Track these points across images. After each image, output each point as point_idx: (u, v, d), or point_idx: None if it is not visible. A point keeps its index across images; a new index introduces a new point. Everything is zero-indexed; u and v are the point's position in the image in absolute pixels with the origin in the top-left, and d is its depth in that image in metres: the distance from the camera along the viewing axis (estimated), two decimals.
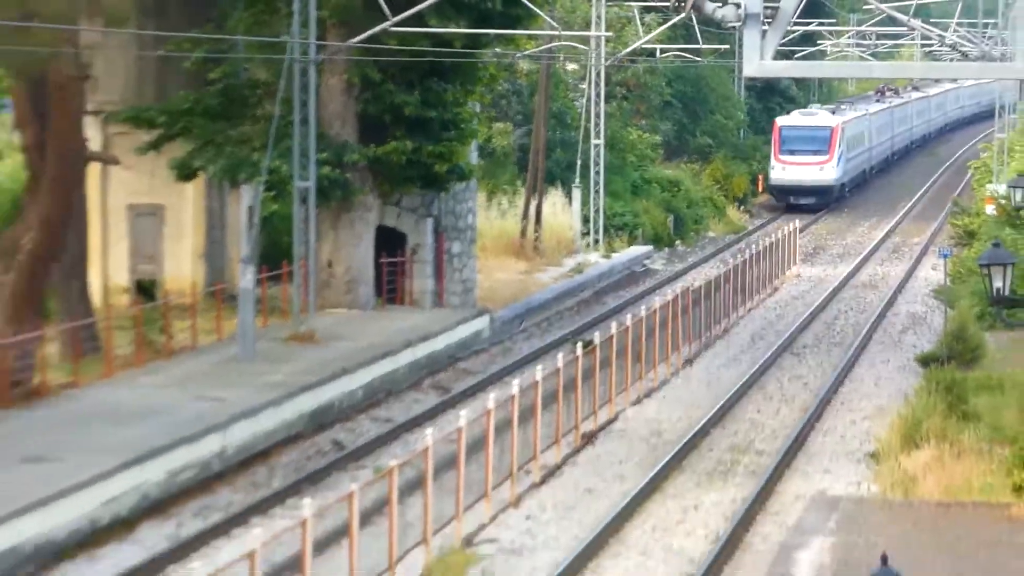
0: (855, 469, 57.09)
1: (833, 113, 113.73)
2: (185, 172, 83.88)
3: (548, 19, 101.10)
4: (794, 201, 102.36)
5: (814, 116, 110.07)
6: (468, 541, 45.96)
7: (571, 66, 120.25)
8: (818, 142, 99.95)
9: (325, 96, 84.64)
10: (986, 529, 44.80)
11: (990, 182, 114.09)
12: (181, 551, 45.20)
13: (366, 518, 40.05)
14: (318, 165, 79.43)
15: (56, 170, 68.81)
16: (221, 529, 47.88)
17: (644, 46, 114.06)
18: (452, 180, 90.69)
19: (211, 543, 45.99)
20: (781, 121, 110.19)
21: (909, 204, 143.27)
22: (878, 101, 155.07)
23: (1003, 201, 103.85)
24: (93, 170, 77.80)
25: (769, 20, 40.60)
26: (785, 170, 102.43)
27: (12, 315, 65.91)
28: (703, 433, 63.75)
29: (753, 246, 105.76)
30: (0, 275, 67.82)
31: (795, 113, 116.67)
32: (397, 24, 78.14)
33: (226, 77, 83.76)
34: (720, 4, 72.86)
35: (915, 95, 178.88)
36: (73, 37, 68.85)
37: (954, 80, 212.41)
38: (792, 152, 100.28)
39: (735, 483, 55.57)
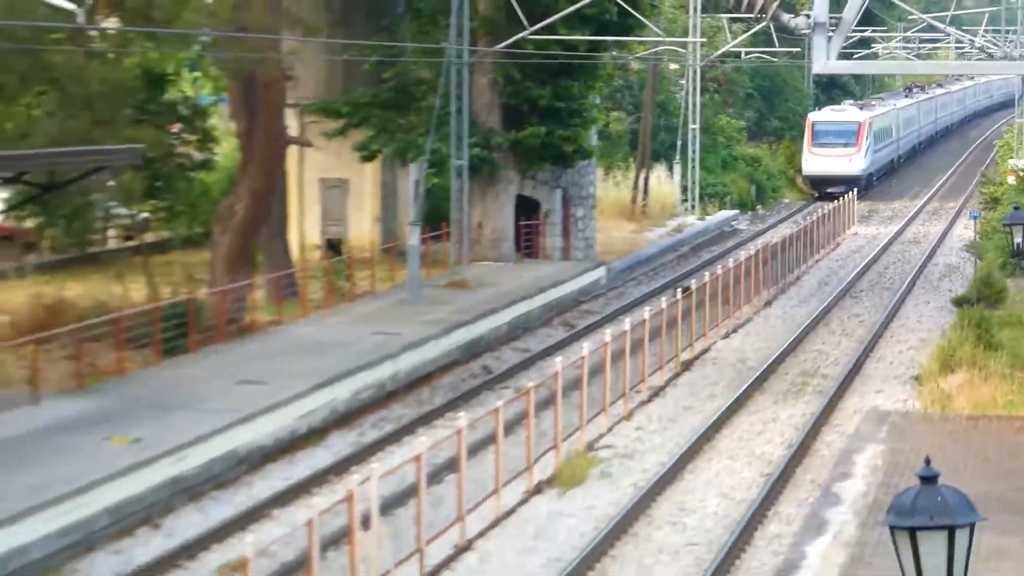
0: (902, 389, 58.03)
1: (861, 109, 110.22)
2: (365, 153, 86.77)
3: (655, 28, 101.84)
4: (825, 191, 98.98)
5: (843, 112, 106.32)
6: (590, 446, 48.04)
7: (673, 66, 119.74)
8: (847, 136, 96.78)
9: (476, 91, 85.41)
10: (1009, 437, 45.48)
11: (1011, 157, 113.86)
12: (362, 455, 47.88)
13: (509, 428, 43.45)
14: (470, 147, 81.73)
15: (262, 152, 71.42)
16: (394, 437, 50.36)
17: (731, 49, 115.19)
18: (577, 158, 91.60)
19: (386, 448, 48.63)
20: (813, 116, 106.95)
21: (944, 177, 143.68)
22: (906, 96, 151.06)
23: (1021, 173, 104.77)
24: (292, 151, 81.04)
25: (833, 28, 40.88)
26: (817, 162, 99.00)
27: (228, 268, 68.88)
28: (779, 361, 64.75)
29: (819, 210, 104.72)
30: (218, 236, 71.27)
31: (826, 109, 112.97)
32: (533, 33, 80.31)
33: (397, 76, 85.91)
34: (794, 15, 75.63)
35: (939, 91, 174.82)
36: (277, 45, 73.31)
37: (972, 77, 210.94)
38: (823, 145, 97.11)
39: (805, 401, 56.71)
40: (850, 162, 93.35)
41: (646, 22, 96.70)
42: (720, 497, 43.09)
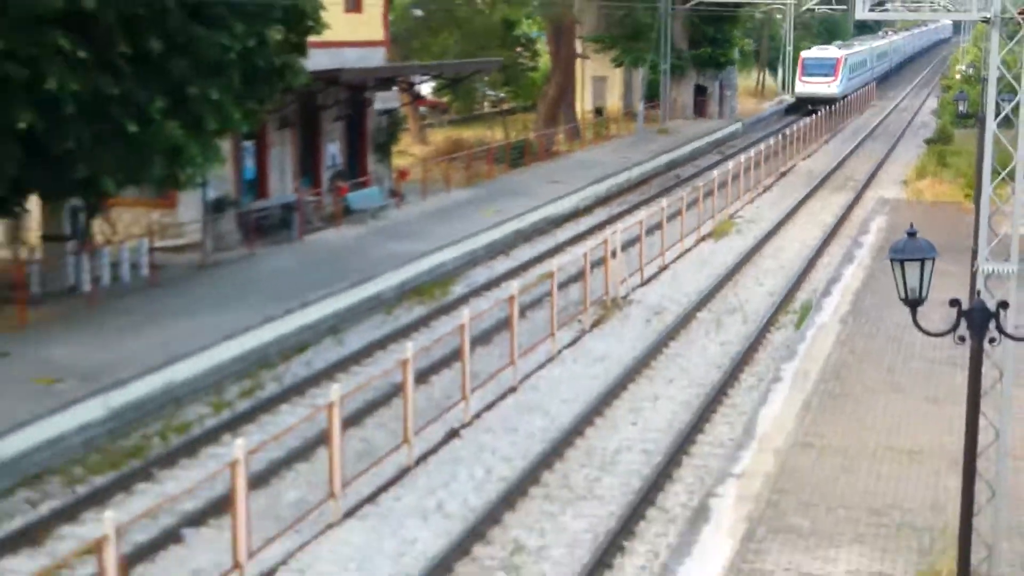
0: (896, 188, 60.41)
1: (840, 48, 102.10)
2: (617, 63, 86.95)
3: None
4: (809, 107, 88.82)
5: (826, 51, 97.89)
6: (731, 216, 52.18)
7: (778, 15, 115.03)
8: (826, 68, 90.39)
9: (675, 27, 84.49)
10: (952, 213, 46.68)
11: (957, 64, 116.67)
12: (614, 218, 51.14)
13: (689, 206, 48.15)
14: (671, 58, 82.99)
15: (562, 62, 77.66)
16: (629, 211, 53.23)
17: (811, 6, 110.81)
18: (727, 64, 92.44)
19: (625, 216, 50.91)
20: (804, 54, 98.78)
21: (918, 79, 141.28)
22: (882, 37, 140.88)
23: (961, 71, 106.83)
24: (578, 62, 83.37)
25: None
26: (805, 87, 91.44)
27: (544, 123, 75.95)
28: (833, 172, 68.00)
29: (852, 96, 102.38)
30: (540, 105, 79.02)
31: (814, 48, 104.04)
32: None
33: (633, 20, 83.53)
34: None
35: (904, 33, 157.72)
36: (571, 4, 77.59)
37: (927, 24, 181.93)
38: (810, 75, 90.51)
39: (845, 193, 60.11)
40: (828, 87, 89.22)
41: None
42: (799, 244, 46.69)
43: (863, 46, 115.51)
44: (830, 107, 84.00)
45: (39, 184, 27.80)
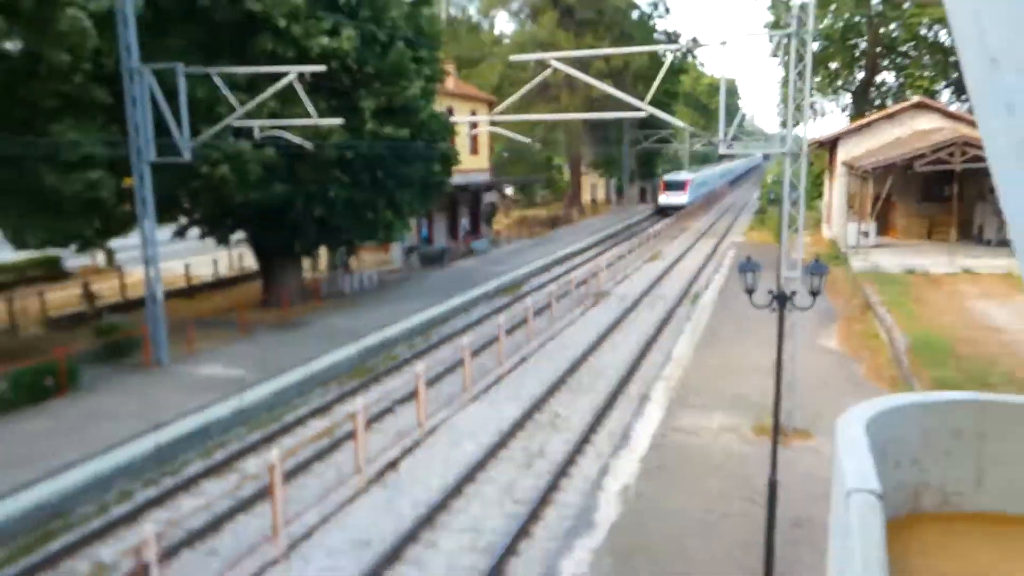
0: (740, 235, 51.59)
1: (689, 173, 78.27)
2: (602, 176, 75.07)
3: None
4: (667, 212, 67.97)
5: (679, 175, 75.21)
6: (657, 252, 48.20)
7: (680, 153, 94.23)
8: (680, 186, 68.16)
9: (630, 160, 74.26)
10: (765, 248, 36.69)
11: (770, 173, 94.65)
12: (602, 251, 46.47)
13: (639, 246, 43.76)
14: (628, 173, 76.48)
15: (575, 176, 68.26)
16: (610, 247, 46.82)
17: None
18: (655, 176, 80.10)
19: (608, 250, 45.44)
20: (664, 177, 74.64)
21: (748, 184, 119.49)
22: (719, 163, 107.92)
23: (771, 179, 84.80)
24: (583, 177, 72.10)
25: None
26: (665, 198, 67.98)
27: (566, 206, 65.59)
28: (707, 229, 57.57)
29: (699, 201, 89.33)
30: (565, 198, 69.24)
31: (671, 173, 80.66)
32: None
33: (610, 156, 75.55)
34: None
35: (737, 160, 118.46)
36: (580, 152, 74.41)
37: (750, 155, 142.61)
38: (669, 190, 67.70)
39: (716, 237, 51.48)
40: (680, 198, 69.16)
41: None
42: (695, 263, 40.68)
43: (706, 170, 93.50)
44: (682, 210, 71.09)
45: (325, 241, 28.11)
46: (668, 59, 24.11)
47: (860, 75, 52.61)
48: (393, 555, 11.66)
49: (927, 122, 36.04)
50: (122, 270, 34.17)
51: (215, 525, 12.68)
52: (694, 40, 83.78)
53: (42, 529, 12.44)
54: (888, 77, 53.02)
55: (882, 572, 3.69)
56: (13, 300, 26.74)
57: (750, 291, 10.89)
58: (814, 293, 10.91)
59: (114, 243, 25.76)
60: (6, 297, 27.64)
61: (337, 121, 22.14)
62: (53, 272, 35.38)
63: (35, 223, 18.89)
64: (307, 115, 21.56)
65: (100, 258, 38.11)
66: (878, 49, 50.68)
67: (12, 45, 16.60)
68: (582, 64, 56.31)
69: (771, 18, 53.83)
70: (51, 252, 31.55)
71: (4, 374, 16.47)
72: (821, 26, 46.76)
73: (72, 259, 35.90)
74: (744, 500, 12.28)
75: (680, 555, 10.63)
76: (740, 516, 11.76)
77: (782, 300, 10.61)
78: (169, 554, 11.54)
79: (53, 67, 17.19)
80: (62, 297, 29.36)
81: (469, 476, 14.41)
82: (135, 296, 27.24)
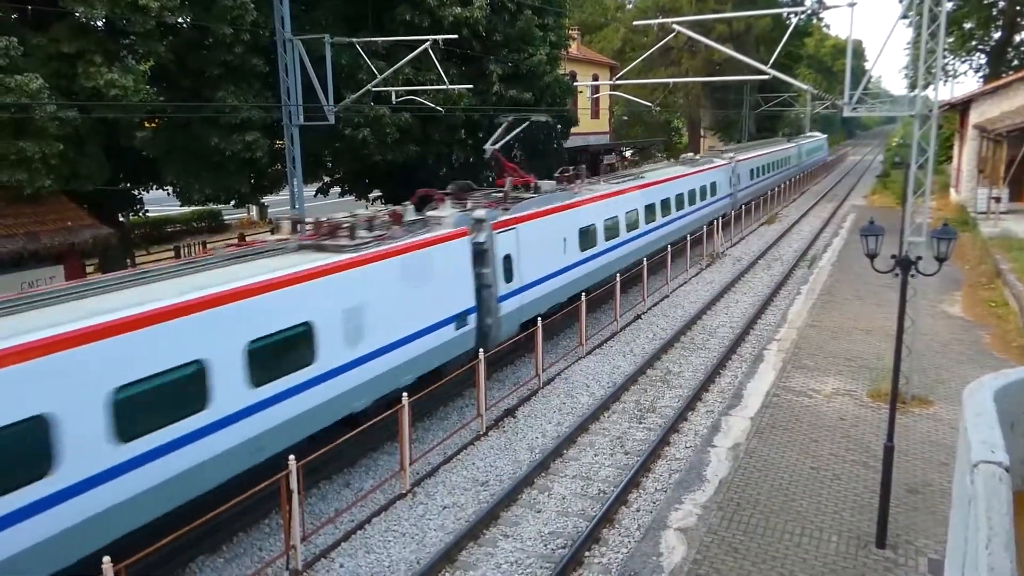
0: (861, 199, 49.20)
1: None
2: (721, 139, 69.71)
3: None
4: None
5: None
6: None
7: (801, 115, 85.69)
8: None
9: (749, 122, 70.41)
10: (891, 212, 34.25)
11: (895, 137, 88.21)
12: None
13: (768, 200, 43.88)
14: (746, 136, 68.89)
15: (694, 138, 68.69)
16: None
17: None
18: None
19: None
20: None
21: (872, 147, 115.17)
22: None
23: (896, 142, 78.82)
24: (701, 139, 70.03)
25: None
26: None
27: None
28: (831, 187, 56.13)
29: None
30: None
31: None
32: None
33: (728, 118, 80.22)
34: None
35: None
36: (698, 113, 73.54)
37: None
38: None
39: (834, 200, 49.53)
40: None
41: None
42: (809, 229, 38.34)
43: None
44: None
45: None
46: (793, 22, 22.74)
47: (996, 35, 48.91)
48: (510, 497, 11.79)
49: None
50: (273, 222, 36.15)
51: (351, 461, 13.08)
52: (819, 2, 78.56)
53: None
54: None
55: (1008, 545, 3.53)
56: (180, 248, 28.79)
57: (871, 255, 10.20)
58: (940, 259, 10.07)
59: (266, 199, 26.93)
60: (175, 245, 29.67)
61: (466, 87, 22.19)
62: (214, 224, 37.51)
63: (201, 180, 20.09)
64: (440, 81, 21.72)
65: (254, 212, 39.90)
66: (1017, 7, 47.09)
67: (182, 19, 17.31)
68: (704, 28, 54.47)
69: None
70: (212, 206, 33.15)
71: None
72: None
73: (230, 212, 37.58)
74: (857, 464, 11.77)
75: (789, 512, 10.33)
76: (852, 479, 11.29)
77: (906, 266, 9.88)
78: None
79: (217, 39, 18.03)
80: (221, 246, 31.20)
81: (582, 426, 14.28)
82: None
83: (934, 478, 11.14)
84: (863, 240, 9.97)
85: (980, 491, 3.83)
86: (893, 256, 10.05)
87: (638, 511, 11.48)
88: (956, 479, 4.82)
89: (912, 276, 10.19)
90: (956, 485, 4.80)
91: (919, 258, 10.34)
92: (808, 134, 72.51)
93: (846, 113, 14.32)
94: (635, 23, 18.66)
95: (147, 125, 19.88)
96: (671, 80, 25.51)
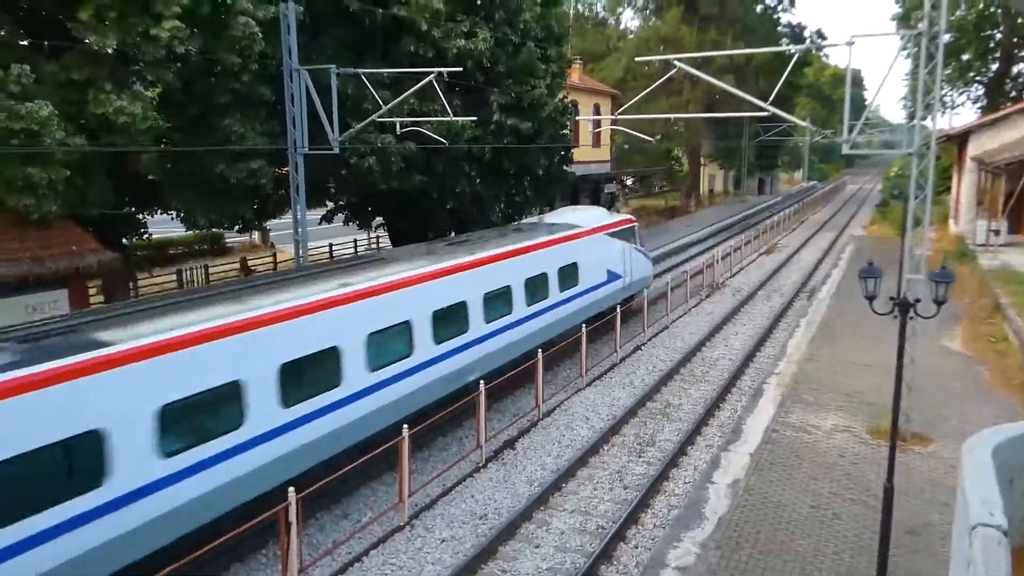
0: (859, 228, 49.53)
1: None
2: (721, 168, 76.55)
3: None
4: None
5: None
6: (775, 241, 47.20)
7: (799, 144, 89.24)
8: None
9: (748, 152, 74.26)
10: (887, 244, 36.17)
11: (893, 167, 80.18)
12: (717, 242, 43.70)
13: (755, 237, 42.45)
14: (746, 165, 74.56)
15: (694, 167, 66.96)
16: (725, 239, 44.77)
17: None
18: (773, 168, 79.94)
19: (724, 242, 43.38)
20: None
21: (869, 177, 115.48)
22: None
23: (895, 173, 73.96)
24: (701, 168, 73.23)
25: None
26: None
27: (684, 196, 64.55)
28: (826, 221, 56.87)
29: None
30: (682, 188, 68.39)
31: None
32: None
33: (728, 148, 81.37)
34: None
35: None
36: (699, 142, 76.72)
37: None
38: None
39: (832, 231, 50.21)
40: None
41: None
42: (798, 273, 37.52)
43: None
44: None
45: (454, 229, 28.14)
46: (794, 58, 22.91)
47: (994, 66, 48.92)
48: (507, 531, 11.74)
49: None
50: (275, 247, 35.72)
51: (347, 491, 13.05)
52: (819, 34, 79.39)
53: None
54: None
55: None
56: (182, 270, 28.88)
57: (870, 297, 10.15)
58: (939, 303, 10.07)
59: (268, 223, 26.77)
60: (176, 267, 29.66)
61: (471, 119, 22.33)
62: (216, 247, 37.56)
63: (206, 205, 20.14)
64: (443, 112, 21.85)
65: (256, 236, 39.94)
66: (1015, 39, 47.12)
67: (191, 48, 17.45)
68: (705, 59, 54.77)
69: (898, 9, 50.69)
70: (215, 229, 33.55)
71: None
72: (952, 17, 43.48)
73: (232, 236, 37.61)
74: (856, 503, 11.68)
75: (789, 553, 10.22)
76: (852, 518, 11.21)
77: (904, 308, 9.85)
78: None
79: (226, 67, 18.11)
80: (222, 269, 31.02)
81: (582, 459, 14.24)
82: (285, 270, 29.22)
83: (934, 519, 11.05)
84: (862, 283, 9.95)
85: (978, 556, 3.81)
86: (892, 298, 10.00)
87: (636, 548, 11.39)
88: (955, 536, 4.81)
89: (910, 317, 10.14)
90: (955, 544, 4.77)
91: (918, 300, 10.28)
92: (611, 212, 41.39)
93: (844, 150, 14.37)
94: (637, 59, 18.75)
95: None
96: (671, 115, 25.60)
